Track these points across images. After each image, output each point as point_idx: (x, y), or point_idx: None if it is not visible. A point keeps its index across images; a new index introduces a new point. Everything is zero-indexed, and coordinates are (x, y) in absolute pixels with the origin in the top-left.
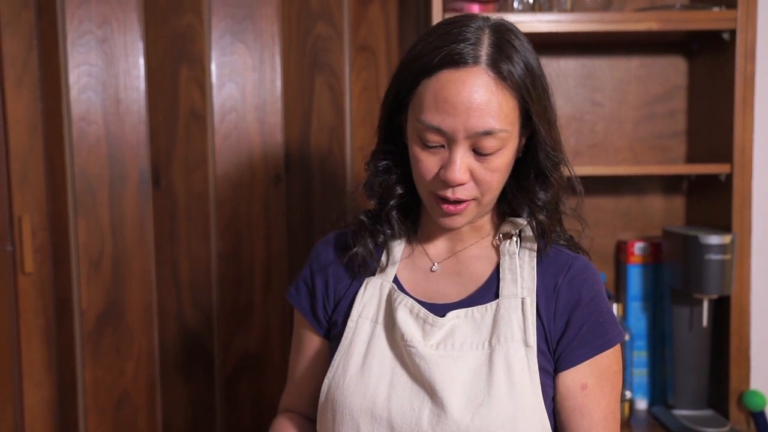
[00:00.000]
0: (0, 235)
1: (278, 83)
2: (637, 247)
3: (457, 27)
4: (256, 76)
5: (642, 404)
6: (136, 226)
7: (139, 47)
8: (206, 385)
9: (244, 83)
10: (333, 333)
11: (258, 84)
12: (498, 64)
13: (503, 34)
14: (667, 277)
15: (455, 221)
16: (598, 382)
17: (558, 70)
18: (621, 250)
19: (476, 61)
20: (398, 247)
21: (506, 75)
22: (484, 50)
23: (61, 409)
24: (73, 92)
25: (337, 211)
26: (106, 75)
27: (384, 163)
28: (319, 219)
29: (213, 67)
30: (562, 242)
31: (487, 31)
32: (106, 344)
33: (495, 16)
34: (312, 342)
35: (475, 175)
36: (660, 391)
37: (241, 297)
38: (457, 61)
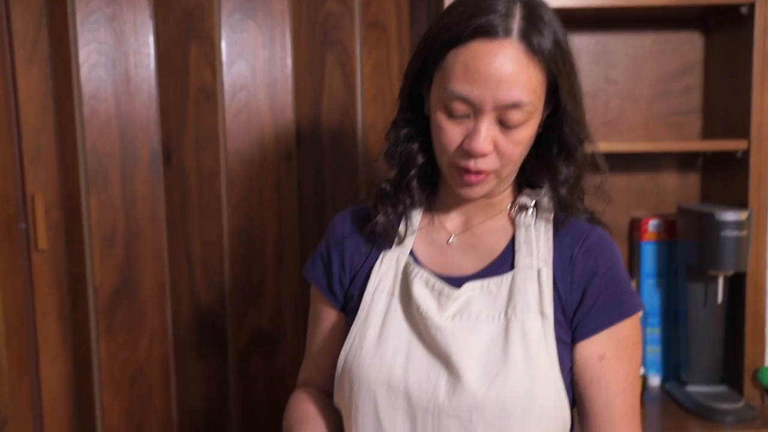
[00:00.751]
0: (13, 212)
1: (289, 61)
2: (651, 224)
3: None
4: (266, 54)
5: (655, 381)
6: (147, 203)
7: (149, 25)
8: (219, 361)
9: (254, 61)
10: (349, 307)
11: (268, 62)
12: (529, 37)
13: (534, 8)
14: (681, 254)
15: (474, 191)
16: (616, 353)
17: (571, 47)
18: (635, 228)
19: (508, 33)
20: (417, 216)
21: (537, 49)
22: (516, 23)
23: (77, 384)
24: (83, 70)
25: (351, 188)
26: (116, 53)
27: (405, 131)
28: (331, 196)
29: (223, 44)
30: (582, 216)
31: (518, 3)
32: (120, 320)
33: None
34: (328, 316)
35: (498, 147)
36: (673, 367)
37: (253, 274)
38: (488, 32)
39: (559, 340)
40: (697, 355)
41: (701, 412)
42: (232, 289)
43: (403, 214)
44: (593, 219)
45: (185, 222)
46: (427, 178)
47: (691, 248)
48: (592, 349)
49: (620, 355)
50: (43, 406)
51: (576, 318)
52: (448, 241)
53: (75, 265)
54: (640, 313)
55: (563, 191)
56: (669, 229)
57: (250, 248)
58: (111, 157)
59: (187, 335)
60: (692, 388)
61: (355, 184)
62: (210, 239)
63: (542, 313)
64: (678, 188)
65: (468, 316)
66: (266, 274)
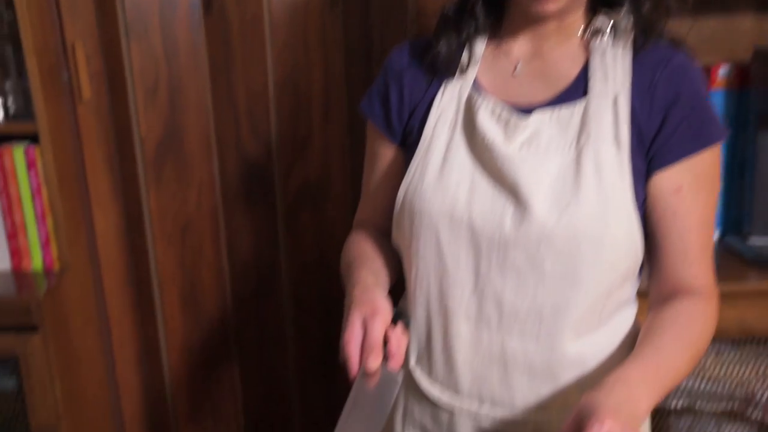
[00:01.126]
0: (54, 62)
1: None
2: (721, 70)
3: None
4: None
5: (714, 234)
6: (189, 52)
7: None
8: (268, 213)
9: None
10: (409, 141)
11: None
12: None
13: None
14: (754, 102)
15: (548, 7)
16: (693, 186)
17: None
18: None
19: None
20: (481, 45)
21: None
22: None
23: (130, 235)
24: None
25: (400, 32)
26: None
27: None
28: (379, 43)
29: None
30: (663, 40)
31: None
32: (168, 173)
33: None
34: (386, 152)
35: None
36: (734, 222)
37: (300, 125)
38: None
39: (634, 171)
40: (762, 206)
41: (763, 262)
42: (278, 141)
43: (467, 42)
44: (676, 43)
45: (229, 72)
46: (493, 2)
47: (766, 95)
48: (669, 180)
49: (698, 187)
50: (99, 256)
51: (653, 147)
52: (515, 69)
53: (120, 116)
54: (721, 145)
55: (645, 8)
56: (740, 76)
57: (296, 98)
58: (149, 4)
59: (235, 188)
60: (754, 241)
61: (403, 27)
62: (255, 89)
63: (617, 142)
64: (754, 32)
65: (537, 146)
66: (313, 125)
